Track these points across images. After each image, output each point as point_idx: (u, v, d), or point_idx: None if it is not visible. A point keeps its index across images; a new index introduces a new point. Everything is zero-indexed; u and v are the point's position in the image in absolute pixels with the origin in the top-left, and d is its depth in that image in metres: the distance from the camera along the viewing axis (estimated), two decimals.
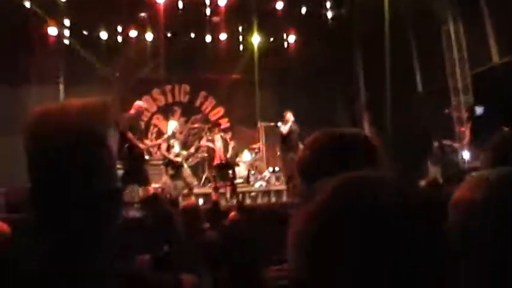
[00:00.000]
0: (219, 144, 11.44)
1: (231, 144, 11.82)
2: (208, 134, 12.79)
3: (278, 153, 12.81)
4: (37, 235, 1.28)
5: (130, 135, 8.98)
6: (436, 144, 13.45)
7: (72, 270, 1.18)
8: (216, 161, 11.39)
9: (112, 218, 1.29)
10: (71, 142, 1.25)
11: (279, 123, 12.00)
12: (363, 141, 1.64)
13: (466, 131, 11.55)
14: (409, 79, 14.61)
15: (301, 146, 11.47)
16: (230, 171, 11.51)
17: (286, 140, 11.70)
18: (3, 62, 13.39)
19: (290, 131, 11.60)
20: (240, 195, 12.00)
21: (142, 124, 15.49)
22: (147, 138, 15.23)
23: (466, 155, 12.99)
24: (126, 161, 8.87)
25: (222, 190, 11.59)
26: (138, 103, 9.99)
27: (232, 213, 5.31)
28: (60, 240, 1.21)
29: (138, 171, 9.13)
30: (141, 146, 9.50)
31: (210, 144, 11.57)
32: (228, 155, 11.44)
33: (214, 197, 10.64)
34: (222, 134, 11.90)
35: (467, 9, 13.43)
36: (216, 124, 14.35)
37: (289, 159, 11.46)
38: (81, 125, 1.30)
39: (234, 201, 10.91)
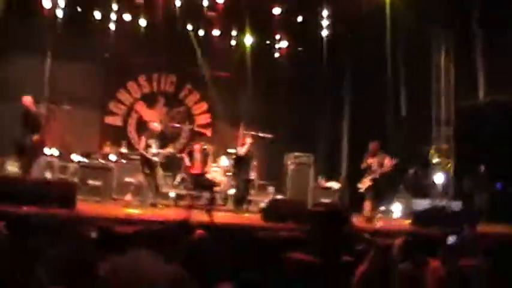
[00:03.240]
0: (197, 156, 11.82)
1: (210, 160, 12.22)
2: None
3: (255, 162, 13.19)
4: None
5: None
6: (411, 171, 13.91)
7: None
8: (193, 171, 11.76)
9: None
10: None
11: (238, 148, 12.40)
12: None
13: None
14: (394, 103, 14.89)
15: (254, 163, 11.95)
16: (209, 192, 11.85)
17: (241, 162, 12.12)
18: None
19: (247, 154, 12.09)
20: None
21: (124, 109, 15.90)
22: (127, 123, 15.67)
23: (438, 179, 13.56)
24: None
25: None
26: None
27: (200, 231, 5.39)
28: None
29: None
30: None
31: (187, 161, 11.93)
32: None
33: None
34: (203, 146, 12.20)
35: (460, 43, 13.75)
36: (199, 134, 14.60)
37: (241, 181, 12.11)
38: None
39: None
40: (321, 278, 3.86)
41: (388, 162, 10.73)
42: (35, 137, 9.75)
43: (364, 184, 10.82)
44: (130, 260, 2.14)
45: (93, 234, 4.79)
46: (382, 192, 11.17)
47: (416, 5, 12.72)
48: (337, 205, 12.47)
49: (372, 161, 10.84)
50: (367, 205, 10.84)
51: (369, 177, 10.76)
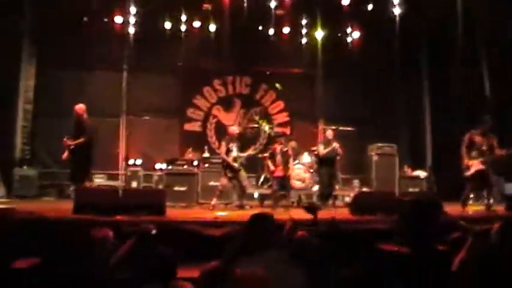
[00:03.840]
0: (279, 158, 11.91)
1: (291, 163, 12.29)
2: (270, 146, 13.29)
3: (315, 167, 13.13)
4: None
5: None
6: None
7: None
8: (277, 173, 11.88)
9: None
10: None
11: (320, 145, 12.34)
12: None
13: None
14: (477, 85, 14.37)
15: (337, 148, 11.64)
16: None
17: (324, 158, 12.06)
18: (71, 48, 14.41)
19: (328, 153, 12.05)
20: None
21: (202, 114, 16.17)
22: (206, 128, 15.96)
23: None
24: None
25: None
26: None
27: (301, 232, 5.36)
28: None
29: None
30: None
31: (270, 165, 12.03)
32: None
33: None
34: (283, 148, 12.25)
35: None
36: (281, 135, 14.56)
37: (325, 177, 12.11)
38: None
39: None
40: (413, 268, 3.84)
41: (496, 144, 9.97)
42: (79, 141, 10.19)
43: (473, 167, 10.02)
44: (261, 263, 2.20)
45: (154, 231, 4.96)
46: (489, 177, 10.24)
47: None
48: (428, 193, 12.26)
49: (481, 141, 10.06)
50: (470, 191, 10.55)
51: (479, 160, 9.97)
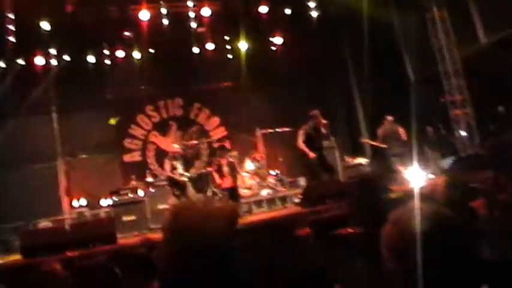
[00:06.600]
0: (226, 170, 11.85)
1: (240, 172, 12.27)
2: (214, 158, 13.27)
3: (280, 158, 13.05)
4: None
5: None
6: (430, 129, 13.64)
7: None
8: (225, 185, 11.81)
9: None
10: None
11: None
12: None
13: None
14: (400, 69, 14.82)
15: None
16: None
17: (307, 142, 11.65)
18: None
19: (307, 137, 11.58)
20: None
21: (140, 143, 15.87)
22: (145, 156, 15.67)
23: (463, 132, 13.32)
24: None
25: None
26: None
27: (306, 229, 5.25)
28: None
29: None
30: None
31: (217, 178, 11.97)
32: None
33: None
34: (229, 159, 12.21)
35: None
36: (221, 148, 14.46)
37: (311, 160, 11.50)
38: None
39: None
40: (369, 247, 3.79)
41: None
42: None
43: None
44: None
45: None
46: None
47: None
48: (371, 174, 12.42)
49: None
50: None
51: None
